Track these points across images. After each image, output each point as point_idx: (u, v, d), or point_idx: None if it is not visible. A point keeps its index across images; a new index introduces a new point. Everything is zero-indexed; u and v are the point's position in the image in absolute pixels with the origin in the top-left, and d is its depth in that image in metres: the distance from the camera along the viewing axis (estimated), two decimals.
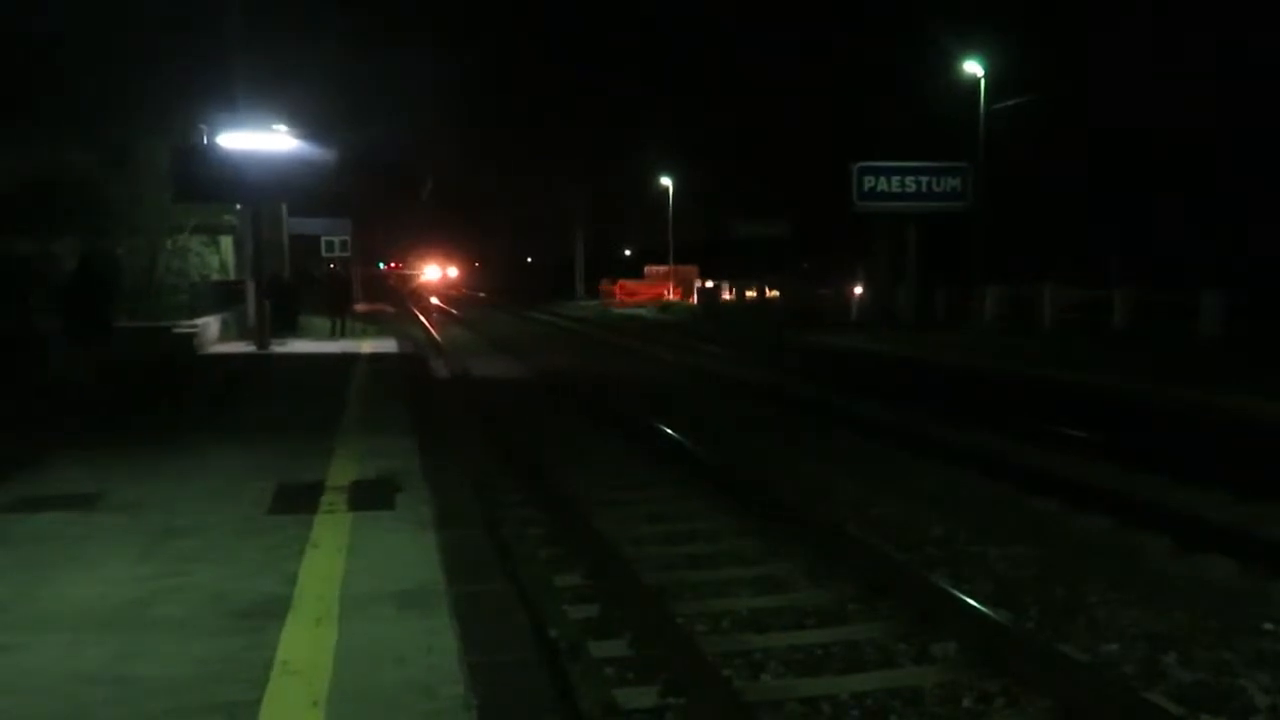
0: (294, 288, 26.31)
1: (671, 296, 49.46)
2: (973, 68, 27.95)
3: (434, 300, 62.40)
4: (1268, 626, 5.52)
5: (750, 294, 42.35)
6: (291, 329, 23.80)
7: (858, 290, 33.16)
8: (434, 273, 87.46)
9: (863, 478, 9.41)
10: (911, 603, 5.71)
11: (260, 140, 19.54)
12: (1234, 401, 11.79)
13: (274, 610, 4.59)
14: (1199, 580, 6.34)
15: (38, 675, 3.89)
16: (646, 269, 57.65)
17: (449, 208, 71.29)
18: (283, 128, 21.07)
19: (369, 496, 6.85)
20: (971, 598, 5.66)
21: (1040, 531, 7.51)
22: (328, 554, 5.50)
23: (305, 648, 4.15)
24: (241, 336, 22.15)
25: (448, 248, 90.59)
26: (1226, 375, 13.88)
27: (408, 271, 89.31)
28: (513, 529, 7.52)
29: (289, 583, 4.99)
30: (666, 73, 45.05)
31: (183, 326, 20.12)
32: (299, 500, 6.74)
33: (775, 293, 40.50)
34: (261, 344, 19.45)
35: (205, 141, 20.46)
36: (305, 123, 21.74)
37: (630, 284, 55.70)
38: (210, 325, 21.35)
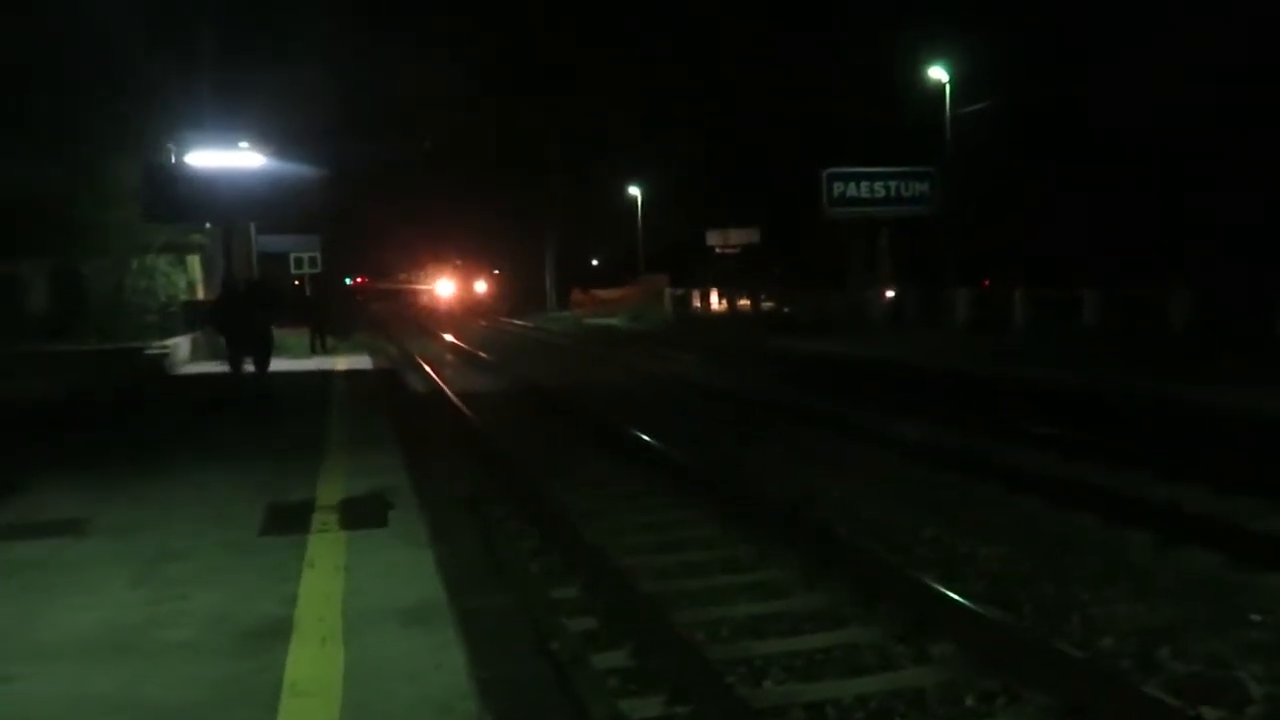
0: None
1: (643, 305, 49.58)
2: (938, 73, 28.30)
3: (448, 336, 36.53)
4: (1255, 617, 5.63)
5: (721, 303, 42.53)
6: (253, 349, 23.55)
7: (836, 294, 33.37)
8: (446, 288, 65.33)
9: (842, 477, 9.50)
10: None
11: (229, 159, 19.40)
12: (1196, 395, 12.08)
13: (277, 631, 4.57)
14: (1182, 573, 6.45)
15: (48, 704, 3.85)
16: (618, 279, 57.72)
17: (420, 222, 68.65)
18: (247, 145, 20.91)
19: (361, 515, 6.83)
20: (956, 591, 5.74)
21: (1021, 526, 7.61)
22: (325, 574, 5.48)
23: (313, 668, 4.14)
24: (213, 356, 21.91)
25: (468, 253, 66.41)
26: (1192, 370, 14.16)
27: (403, 286, 71.14)
28: (505, 542, 7.53)
29: (289, 604, 4.97)
30: (636, 81, 45.20)
31: (154, 347, 19.92)
32: (290, 520, 6.71)
33: (745, 300, 40.68)
34: (235, 365, 19.24)
35: (174, 160, 20.28)
36: (275, 140, 21.61)
37: (602, 293, 55.76)
38: (181, 346, 21.14)
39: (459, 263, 65.81)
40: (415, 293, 70.13)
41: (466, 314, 57.35)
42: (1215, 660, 5.08)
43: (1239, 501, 8.01)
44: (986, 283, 27.53)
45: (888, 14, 30.62)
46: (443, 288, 65.32)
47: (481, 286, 66.86)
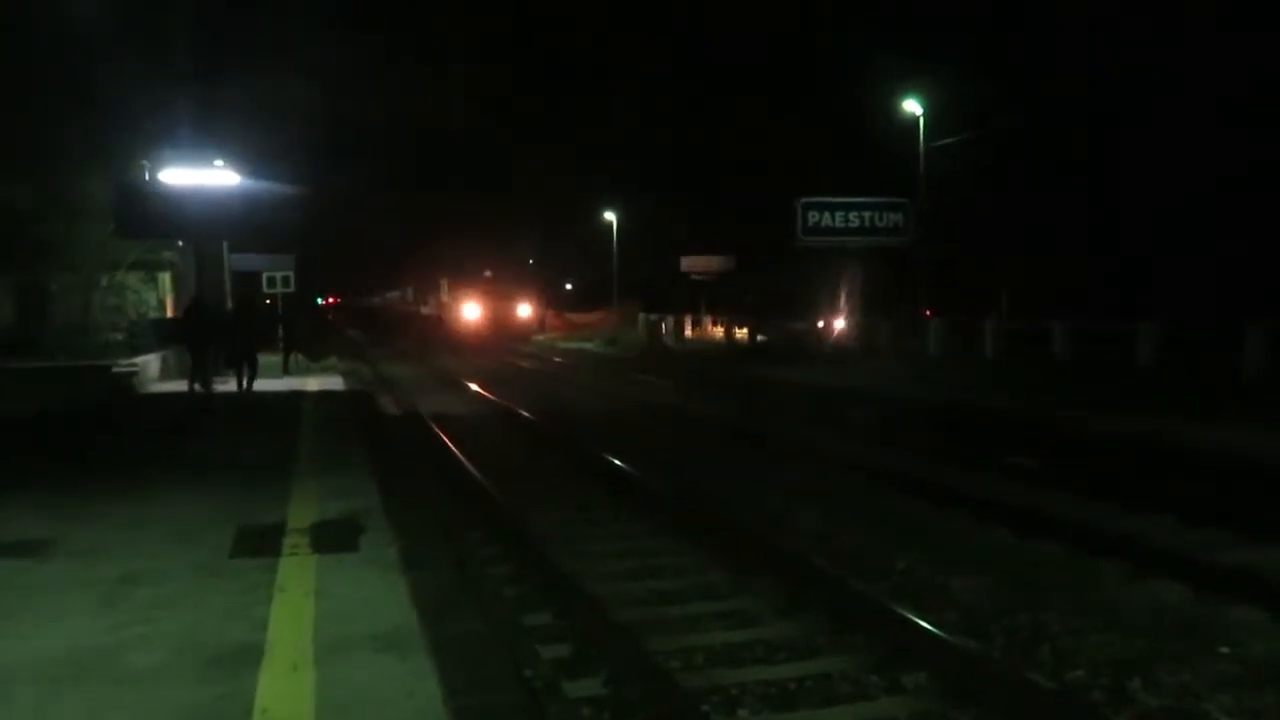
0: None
1: (617, 331, 49.59)
2: (912, 106, 28.66)
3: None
4: (1224, 649, 5.68)
5: (695, 329, 42.65)
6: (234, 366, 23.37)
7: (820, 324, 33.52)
8: (473, 312, 49.03)
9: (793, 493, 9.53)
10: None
11: (203, 176, 19.25)
12: (1151, 425, 12.31)
13: (248, 657, 4.50)
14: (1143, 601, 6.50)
15: None
16: (592, 304, 57.70)
17: (396, 241, 67.36)
18: (222, 163, 20.78)
19: (332, 538, 6.76)
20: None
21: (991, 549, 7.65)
22: (296, 598, 5.41)
23: (285, 695, 4.08)
24: (183, 375, 21.67)
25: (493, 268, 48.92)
26: (1154, 403, 14.37)
27: (397, 305, 63.46)
28: (477, 568, 7.47)
29: (260, 628, 4.90)
30: (612, 110, 45.43)
31: (122, 365, 19.66)
32: (261, 543, 6.63)
33: (719, 327, 40.83)
34: (205, 383, 19.05)
35: (147, 177, 20.12)
36: (253, 157, 21.49)
37: (575, 317, 55.70)
38: (150, 364, 20.88)
39: (489, 273, 49.31)
40: (415, 315, 60.39)
41: (501, 347, 41.68)
42: (1186, 692, 5.11)
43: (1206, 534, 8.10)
44: (929, 312, 27.58)
45: (867, 49, 31.07)
46: (469, 310, 48.67)
47: (526, 310, 49.64)
